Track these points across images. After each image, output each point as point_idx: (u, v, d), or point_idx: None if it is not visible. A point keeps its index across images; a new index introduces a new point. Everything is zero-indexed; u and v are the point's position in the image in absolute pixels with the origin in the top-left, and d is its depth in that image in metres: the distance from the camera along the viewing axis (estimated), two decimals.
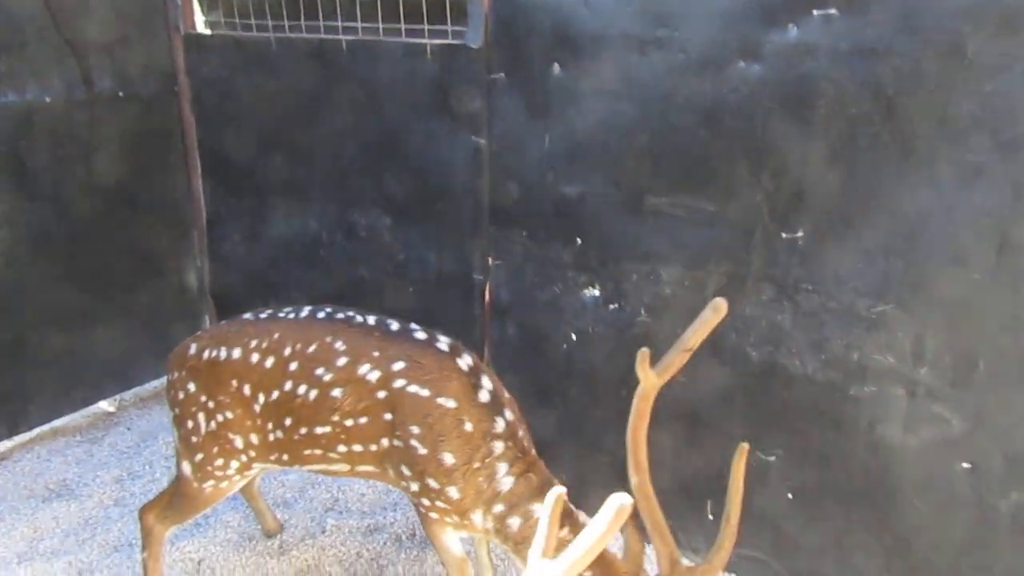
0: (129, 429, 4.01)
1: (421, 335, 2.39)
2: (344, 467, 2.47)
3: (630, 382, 2.96)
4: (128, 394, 4.29)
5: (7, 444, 3.81)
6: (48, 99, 3.61)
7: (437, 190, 3.37)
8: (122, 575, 2.93)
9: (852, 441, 2.57)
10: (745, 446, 2.04)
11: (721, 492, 2.85)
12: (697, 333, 1.95)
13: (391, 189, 3.52)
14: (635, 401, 2.01)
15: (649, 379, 1.97)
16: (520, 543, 2.21)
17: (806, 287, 2.53)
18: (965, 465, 2.38)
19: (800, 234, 2.50)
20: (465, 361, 2.34)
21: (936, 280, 2.32)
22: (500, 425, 2.27)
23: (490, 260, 3.28)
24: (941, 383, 2.37)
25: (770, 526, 2.82)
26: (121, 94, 3.88)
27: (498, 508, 2.24)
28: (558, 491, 1.51)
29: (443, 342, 2.38)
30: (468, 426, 2.25)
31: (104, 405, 4.20)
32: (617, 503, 1.37)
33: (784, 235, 2.53)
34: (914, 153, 2.27)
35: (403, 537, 3.17)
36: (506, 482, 2.25)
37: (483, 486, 2.25)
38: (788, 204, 2.51)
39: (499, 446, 2.26)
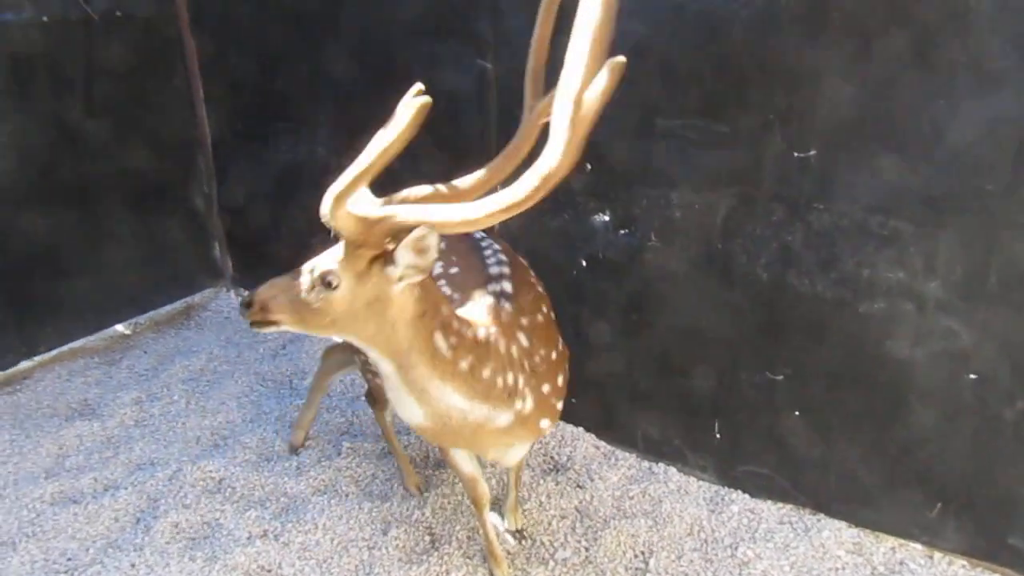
0: (145, 352, 4.08)
1: None
2: None
3: (641, 306, 3.01)
4: (143, 318, 4.36)
5: (28, 364, 3.90)
6: (45, 18, 3.55)
7: (444, 116, 3.29)
8: (146, 492, 3.02)
9: (859, 358, 2.60)
10: None
11: (730, 411, 2.94)
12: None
13: None
14: None
15: None
16: None
17: (817, 206, 2.53)
18: (972, 376, 2.42)
19: (812, 152, 2.48)
20: None
21: (950, 193, 2.31)
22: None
23: (499, 187, 3.26)
24: (951, 296, 2.38)
25: (776, 443, 2.88)
26: (119, 13, 3.81)
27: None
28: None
29: None
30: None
31: (120, 328, 4.27)
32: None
33: (796, 154, 2.51)
34: (931, 62, 2.23)
35: (416, 460, 3.24)
36: None
37: None
38: (800, 122, 2.48)
39: None
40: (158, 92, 4.07)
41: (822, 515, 2.87)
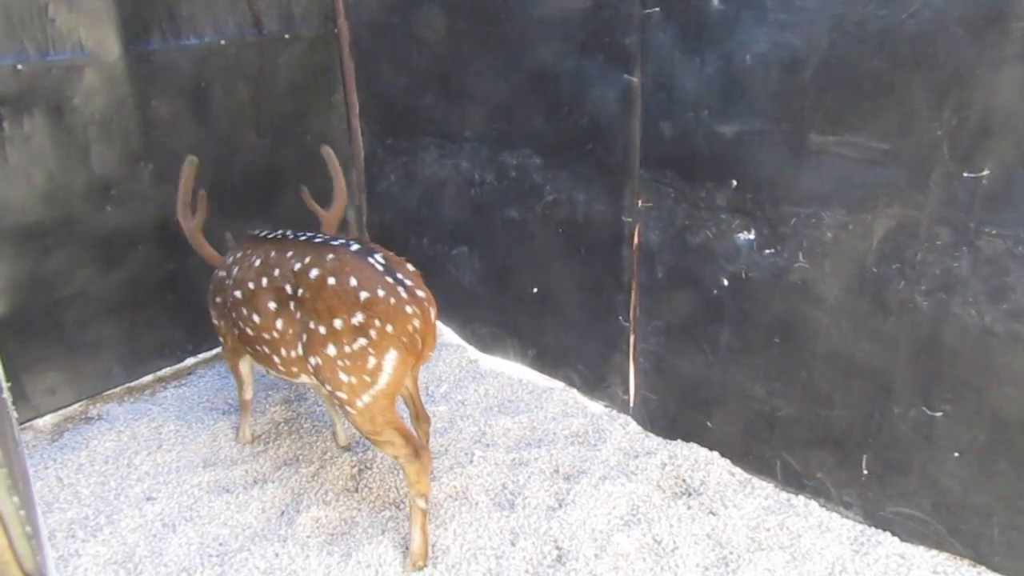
0: None
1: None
2: None
3: (786, 330, 2.88)
4: None
5: (192, 360, 4.27)
6: (223, 41, 3.86)
7: (588, 130, 3.34)
8: (291, 487, 3.20)
9: None
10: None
11: (880, 447, 2.76)
12: None
13: (541, 129, 3.52)
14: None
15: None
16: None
17: (989, 231, 2.33)
18: None
19: (985, 172, 2.30)
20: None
21: None
22: None
23: (640, 202, 3.24)
24: None
25: (932, 485, 2.67)
26: (287, 36, 4.09)
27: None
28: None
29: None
30: None
31: None
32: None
33: (966, 174, 2.33)
34: None
35: (547, 472, 3.24)
36: None
37: None
38: (972, 140, 2.30)
39: None
40: (319, 109, 4.33)
41: (983, 568, 2.63)
